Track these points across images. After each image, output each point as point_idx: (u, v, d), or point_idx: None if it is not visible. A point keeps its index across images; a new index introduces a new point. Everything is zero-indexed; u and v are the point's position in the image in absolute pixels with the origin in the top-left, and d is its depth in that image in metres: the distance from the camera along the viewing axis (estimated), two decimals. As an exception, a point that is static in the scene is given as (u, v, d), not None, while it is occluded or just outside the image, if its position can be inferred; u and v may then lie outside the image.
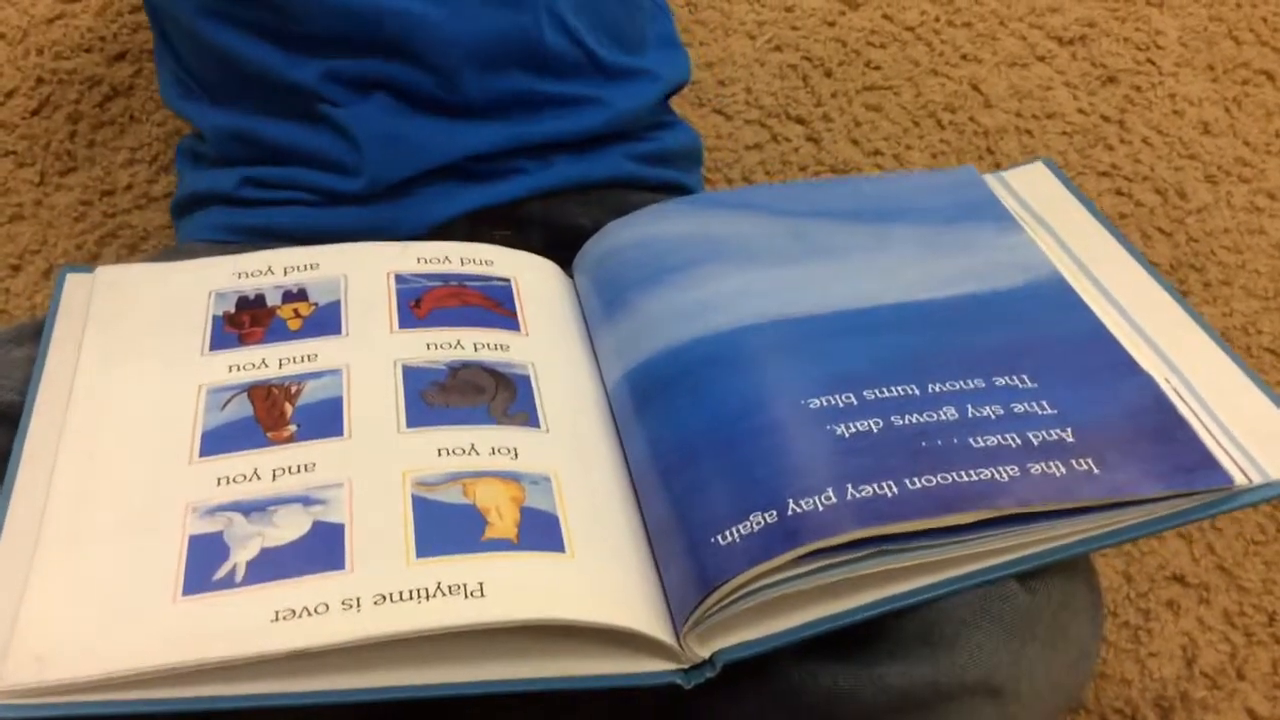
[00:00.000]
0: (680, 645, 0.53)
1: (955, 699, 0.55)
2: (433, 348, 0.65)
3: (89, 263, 1.06)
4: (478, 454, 0.59)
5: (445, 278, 0.69)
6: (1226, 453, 0.56)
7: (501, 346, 0.65)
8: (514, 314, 0.68)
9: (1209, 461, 0.56)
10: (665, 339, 0.64)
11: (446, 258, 0.71)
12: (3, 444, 0.59)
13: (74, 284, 0.68)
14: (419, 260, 0.70)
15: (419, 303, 0.67)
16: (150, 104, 1.13)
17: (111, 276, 0.69)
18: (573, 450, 0.61)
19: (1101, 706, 0.86)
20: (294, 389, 0.62)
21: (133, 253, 1.08)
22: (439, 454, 0.59)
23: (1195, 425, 0.57)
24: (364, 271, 0.69)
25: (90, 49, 1.14)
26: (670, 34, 0.89)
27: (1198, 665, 0.88)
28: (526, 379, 0.64)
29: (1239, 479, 0.55)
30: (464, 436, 0.60)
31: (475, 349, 0.65)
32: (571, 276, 0.73)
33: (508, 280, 0.70)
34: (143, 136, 1.12)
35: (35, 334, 0.66)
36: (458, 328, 0.66)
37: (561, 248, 0.74)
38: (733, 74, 1.19)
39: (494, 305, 0.68)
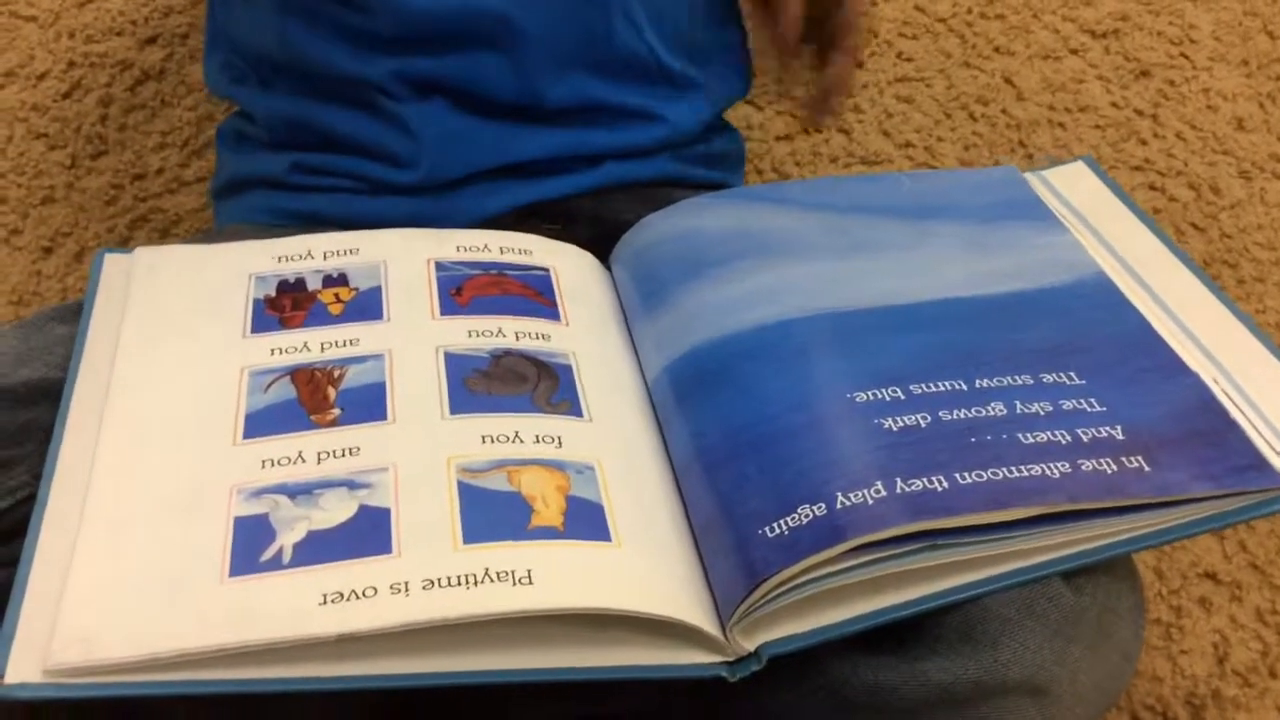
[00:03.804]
0: (726, 638, 0.53)
1: (997, 697, 0.55)
2: (474, 335, 0.64)
3: (120, 246, 1.06)
4: (522, 441, 0.59)
5: (485, 266, 0.69)
6: (1277, 453, 0.56)
7: (543, 336, 0.65)
8: (554, 304, 0.68)
9: (1260, 462, 0.55)
10: (706, 332, 0.64)
11: (486, 246, 0.70)
12: (49, 419, 0.60)
13: (112, 265, 0.68)
14: (458, 249, 0.70)
15: (460, 290, 0.67)
16: (181, 88, 1.13)
17: (150, 258, 0.69)
18: (616, 440, 0.61)
19: (1133, 704, 0.86)
20: (336, 373, 0.62)
21: (164, 237, 1.08)
22: (483, 441, 0.58)
23: (1245, 425, 0.57)
24: (404, 258, 0.69)
25: (121, 32, 1.15)
26: (735, 46, 0.89)
27: (1229, 663, 0.88)
28: (569, 368, 0.64)
29: None
30: (508, 424, 0.59)
31: (517, 337, 0.65)
32: (610, 269, 0.73)
33: (547, 270, 0.70)
34: (174, 121, 1.12)
35: (77, 312, 0.66)
36: (499, 316, 0.66)
37: (607, 241, 0.74)
38: (763, 64, 1.19)
39: (534, 294, 0.68)
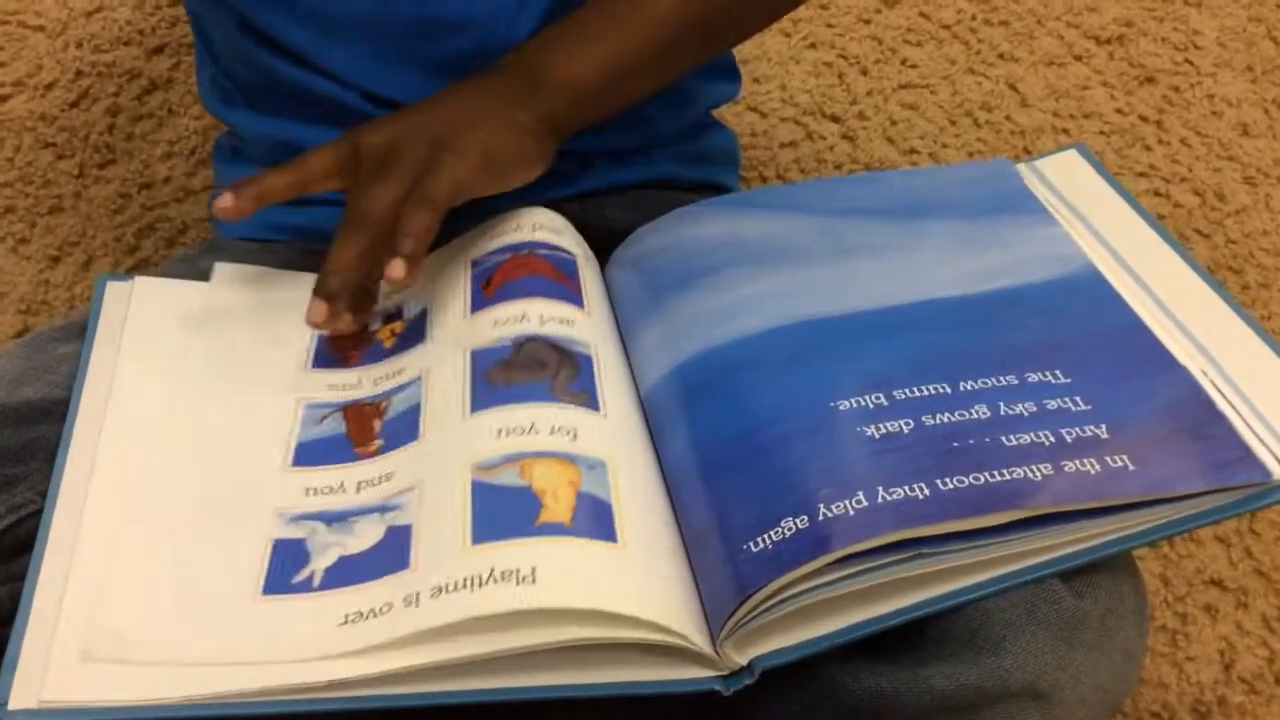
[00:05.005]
0: (717, 653, 0.52)
1: (1000, 702, 0.55)
2: (499, 324, 0.65)
3: (128, 255, 1.07)
4: (537, 433, 0.59)
5: (516, 247, 0.70)
6: (1265, 446, 0.55)
7: (566, 321, 0.65)
8: (579, 290, 0.68)
9: (1247, 456, 0.54)
10: (698, 343, 0.64)
11: (519, 226, 0.71)
12: (52, 438, 0.60)
13: (114, 291, 0.69)
14: (491, 237, 0.71)
15: (489, 282, 0.68)
16: (188, 97, 1.14)
17: (222, 276, 0.72)
18: (627, 438, 0.61)
19: (1139, 710, 0.86)
20: (383, 405, 0.63)
21: (171, 246, 1.09)
22: (499, 434, 0.59)
23: (1233, 418, 0.56)
24: (446, 270, 0.70)
25: (129, 42, 1.15)
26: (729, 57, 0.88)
27: (1235, 670, 0.88)
28: (589, 359, 0.64)
29: (1278, 473, 0.55)
30: (525, 415, 0.59)
31: (541, 321, 0.65)
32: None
33: (573, 256, 0.70)
34: (181, 130, 1.13)
35: (79, 331, 0.67)
36: (523, 300, 0.66)
37: (598, 251, 0.74)
38: (768, 71, 1.19)
39: (561, 276, 0.68)
